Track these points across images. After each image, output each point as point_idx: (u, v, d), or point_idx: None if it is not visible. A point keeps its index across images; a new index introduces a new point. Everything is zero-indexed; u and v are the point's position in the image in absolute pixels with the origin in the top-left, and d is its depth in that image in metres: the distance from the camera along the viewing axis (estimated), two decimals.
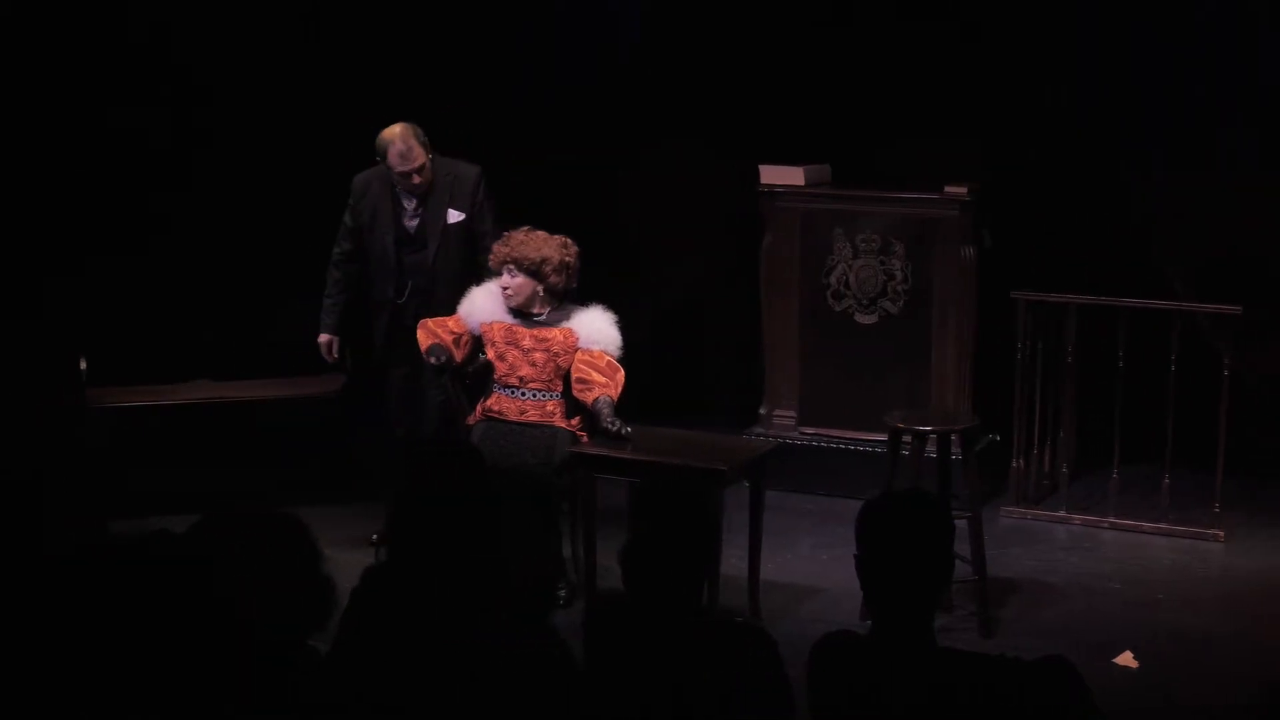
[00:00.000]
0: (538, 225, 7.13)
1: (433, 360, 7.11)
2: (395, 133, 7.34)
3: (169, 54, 8.83)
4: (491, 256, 7.11)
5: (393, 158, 7.32)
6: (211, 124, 8.93)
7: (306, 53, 9.00)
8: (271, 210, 8.34)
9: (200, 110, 8.92)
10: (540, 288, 7.06)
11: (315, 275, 7.72)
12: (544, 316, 7.11)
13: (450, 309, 7.39)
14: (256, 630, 3.34)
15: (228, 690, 3.26)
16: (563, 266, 7.06)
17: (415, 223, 7.50)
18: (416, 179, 7.38)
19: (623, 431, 6.81)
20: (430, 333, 7.22)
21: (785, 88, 8.92)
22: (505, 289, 7.08)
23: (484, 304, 7.19)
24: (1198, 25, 8.25)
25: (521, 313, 7.11)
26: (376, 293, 7.60)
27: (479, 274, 7.40)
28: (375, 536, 7.58)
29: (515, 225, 7.14)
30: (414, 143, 7.33)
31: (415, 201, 7.48)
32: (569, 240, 7.14)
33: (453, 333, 7.22)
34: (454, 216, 7.50)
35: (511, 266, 7.04)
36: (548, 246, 7.06)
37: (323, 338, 7.69)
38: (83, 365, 8.24)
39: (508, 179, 8.59)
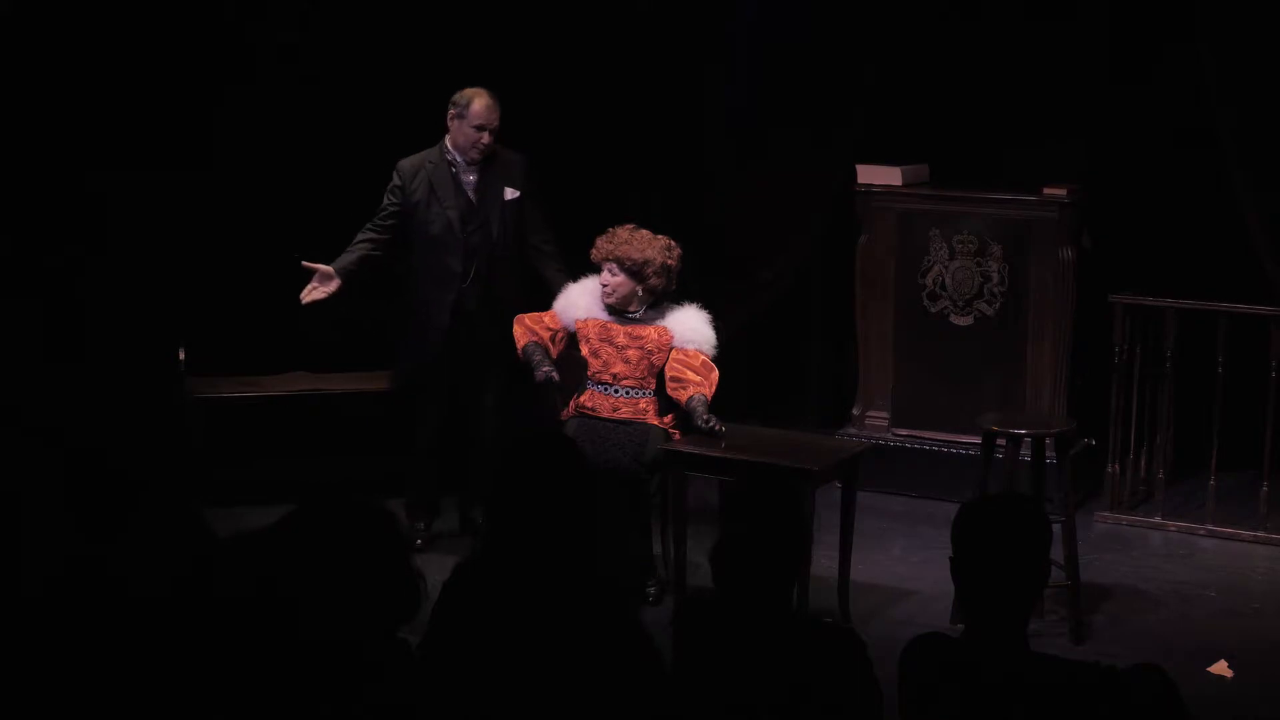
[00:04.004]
0: (629, 224, 7.15)
1: (539, 376, 7.11)
2: (480, 89, 7.40)
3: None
4: (594, 251, 7.10)
5: (479, 108, 7.34)
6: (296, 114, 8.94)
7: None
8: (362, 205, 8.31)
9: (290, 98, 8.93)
10: (639, 288, 7.06)
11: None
12: (639, 315, 7.11)
13: (509, 292, 7.50)
14: (346, 621, 3.36)
15: (317, 684, 3.28)
16: (664, 269, 7.05)
17: (477, 197, 7.50)
18: (488, 138, 7.39)
19: (716, 428, 6.81)
20: (527, 329, 7.25)
21: (884, 86, 8.86)
22: (604, 286, 7.09)
23: (580, 300, 7.21)
24: None
25: (617, 310, 7.12)
26: (440, 271, 7.50)
27: (544, 257, 7.58)
28: (419, 542, 7.61)
29: (615, 225, 7.15)
30: (497, 104, 7.40)
31: (475, 176, 7.49)
32: (673, 243, 7.12)
33: (549, 329, 7.25)
34: (510, 194, 7.54)
35: (614, 265, 7.04)
36: (651, 248, 7.04)
37: (323, 267, 7.43)
38: (182, 356, 8.33)
39: (605, 177, 8.60)
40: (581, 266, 7.24)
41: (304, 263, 7.44)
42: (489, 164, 7.49)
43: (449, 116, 7.45)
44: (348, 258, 7.51)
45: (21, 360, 8.01)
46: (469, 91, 7.41)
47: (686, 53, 9.05)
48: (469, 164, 7.47)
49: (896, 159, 8.64)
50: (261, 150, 8.72)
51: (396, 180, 7.53)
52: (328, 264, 7.46)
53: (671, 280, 7.11)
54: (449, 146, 7.48)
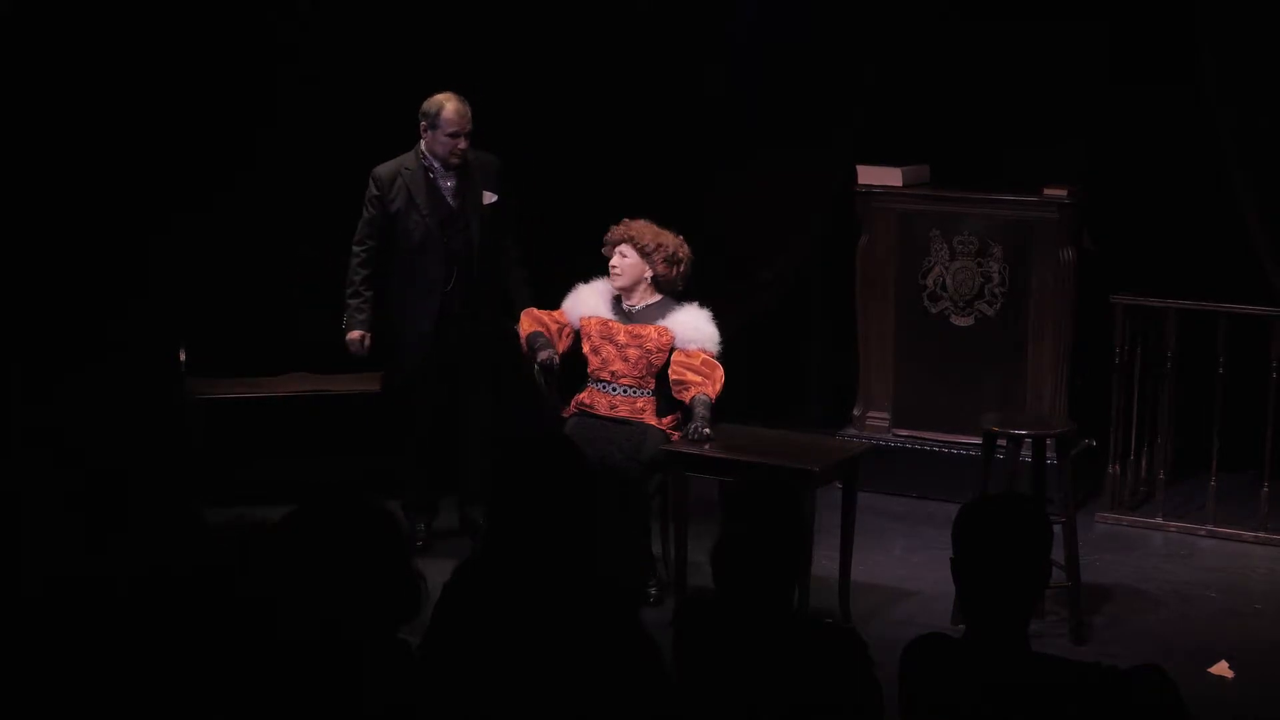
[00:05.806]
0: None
1: (542, 356, 7.16)
2: (448, 95, 7.36)
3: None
4: (608, 236, 7.16)
5: (450, 114, 7.30)
6: (301, 113, 8.93)
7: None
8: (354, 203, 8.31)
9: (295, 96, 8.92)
10: (648, 272, 7.10)
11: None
12: (640, 308, 7.12)
13: (491, 295, 7.52)
14: (347, 621, 3.36)
15: (318, 684, 3.28)
16: (673, 258, 7.10)
17: (456, 202, 7.48)
18: (463, 144, 7.37)
19: (695, 435, 6.80)
20: (535, 319, 7.30)
21: (884, 86, 8.86)
22: (614, 269, 7.13)
23: (588, 299, 7.25)
24: None
25: (620, 307, 7.14)
26: (422, 278, 7.48)
27: (509, 263, 7.60)
28: (419, 542, 7.60)
29: (612, 226, 7.19)
30: (467, 107, 7.37)
31: (452, 181, 7.47)
32: (685, 240, 7.19)
33: (557, 323, 7.29)
34: (489, 197, 7.53)
35: (626, 246, 7.09)
36: (664, 235, 7.13)
37: (355, 334, 7.54)
38: (182, 357, 8.32)
39: (604, 177, 8.57)
40: (585, 268, 7.26)
41: (351, 338, 7.54)
42: (465, 167, 7.47)
43: (421, 128, 7.41)
44: (366, 309, 7.54)
45: (22, 363, 8.01)
46: (437, 99, 7.36)
47: (686, 53, 9.04)
48: (447, 169, 7.45)
49: (896, 159, 8.63)
50: (260, 150, 8.72)
51: (374, 189, 7.49)
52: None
53: (678, 275, 7.14)
54: (425, 152, 7.45)
